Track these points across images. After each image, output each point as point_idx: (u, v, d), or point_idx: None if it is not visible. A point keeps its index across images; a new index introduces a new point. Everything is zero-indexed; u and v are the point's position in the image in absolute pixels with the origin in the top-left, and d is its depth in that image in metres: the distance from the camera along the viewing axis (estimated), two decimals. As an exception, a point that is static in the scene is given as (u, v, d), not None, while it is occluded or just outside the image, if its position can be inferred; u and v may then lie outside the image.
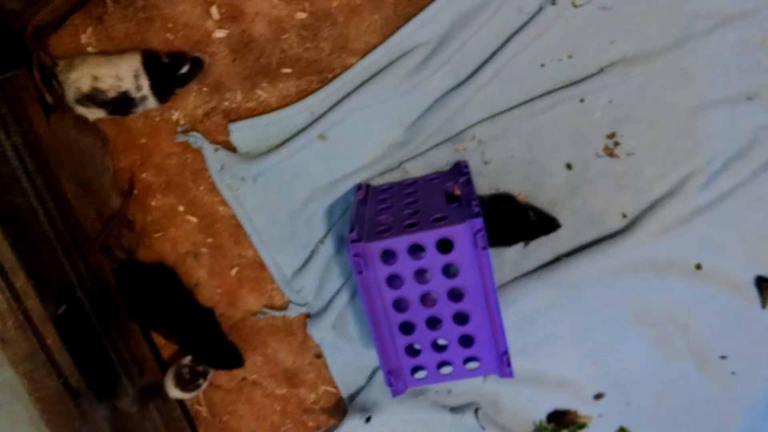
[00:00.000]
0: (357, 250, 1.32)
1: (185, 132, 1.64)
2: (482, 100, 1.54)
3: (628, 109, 1.51)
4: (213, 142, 1.64)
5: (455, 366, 1.46)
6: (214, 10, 1.51)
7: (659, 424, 1.80)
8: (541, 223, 1.59)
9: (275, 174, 1.65)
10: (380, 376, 1.78)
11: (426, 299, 1.38)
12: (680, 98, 1.50)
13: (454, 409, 1.82)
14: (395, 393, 1.47)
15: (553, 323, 1.70)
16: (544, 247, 1.65)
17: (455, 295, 1.36)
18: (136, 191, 1.72)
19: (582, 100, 1.51)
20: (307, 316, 1.82)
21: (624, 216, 1.60)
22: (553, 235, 1.62)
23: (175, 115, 1.63)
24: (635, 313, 1.67)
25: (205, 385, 1.84)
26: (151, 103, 1.53)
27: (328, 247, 1.71)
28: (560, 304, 1.67)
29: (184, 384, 1.79)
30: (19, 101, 1.55)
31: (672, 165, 1.55)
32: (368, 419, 1.80)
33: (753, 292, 1.63)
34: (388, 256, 1.33)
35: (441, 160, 1.59)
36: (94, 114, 1.54)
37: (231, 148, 1.65)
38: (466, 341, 1.42)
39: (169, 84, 1.52)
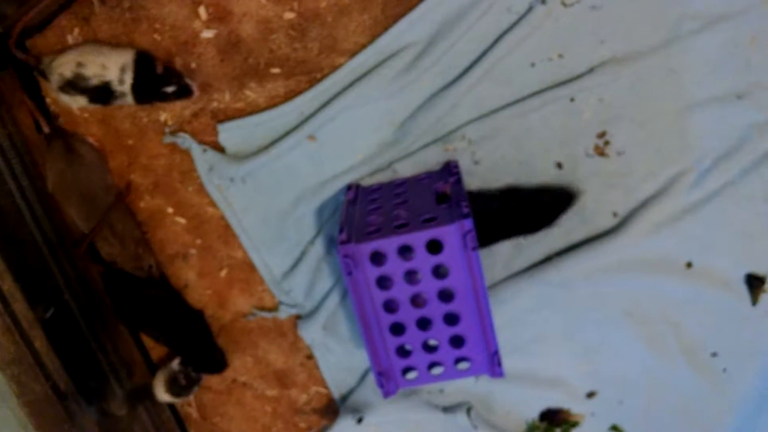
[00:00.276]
0: (346, 252, 1.31)
1: (173, 133, 1.63)
2: (472, 100, 1.53)
3: (618, 108, 1.51)
4: (201, 142, 1.63)
5: (446, 366, 1.46)
6: (202, 11, 1.50)
7: (651, 421, 1.80)
8: (558, 202, 1.57)
9: (264, 174, 1.64)
10: (372, 376, 1.78)
11: (416, 300, 1.38)
12: (670, 97, 1.49)
13: (447, 409, 1.82)
14: (386, 394, 1.47)
15: (545, 322, 1.71)
16: (536, 246, 1.65)
17: (445, 296, 1.36)
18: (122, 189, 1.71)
19: (572, 100, 1.51)
20: (298, 317, 1.81)
21: (615, 215, 1.60)
22: (544, 235, 1.62)
23: (163, 116, 1.62)
24: (627, 312, 1.68)
25: (196, 389, 1.83)
26: (129, 100, 1.51)
27: (318, 247, 1.70)
28: (552, 303, 1.67)
29: (178, 389, 1.78)
30: (4, 103, 1.55)
31: (662, 164, 1.55)
32: (360, 420, 1.80)
33: (743, 290, 1.63)
34: (378, 257, 1.32)
35: (431, 160, 1.58)
36: (77, 102, 1.52)
37: (219, 149, 1.64)
38: (457, 342, 1.42)
39: (151, 92, 1.51)
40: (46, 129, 1.58)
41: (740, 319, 1.65)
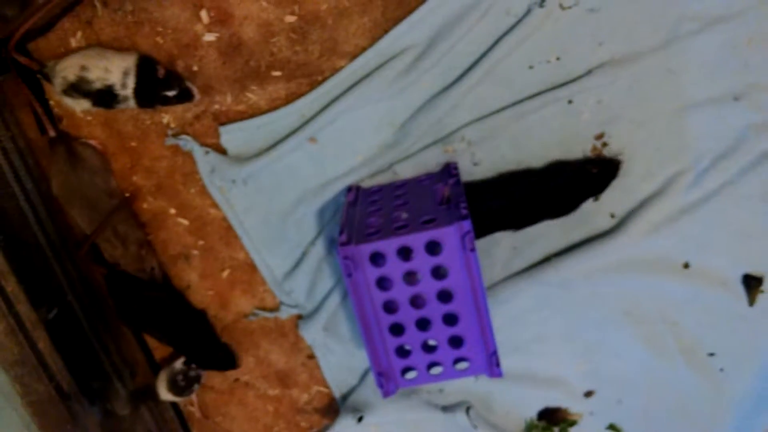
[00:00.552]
0: (346, 253, 1.33)
1: (175, 135, 1.64)
2: (471, 102, 1.54)
3: (616, 109, 1.52)
4: (203, 145, 1.64)
5: (445, 366, 1.47)
6: (204, 14, 1.51)
7: (649, 420, 1.82)
8: (605, 171, 1.56)
9: (266, 176, 1.65)
10: (372, 376, 1.78)
11: (415, 301, 1.39)
12: (668, 98, 1.50)
13: (446, 409, 1.83)
14: (386, 394, 1.48)
15: (544, 322, 1.72)
16: (534, 246, 1.66)
17: (444, 297, 1.37)
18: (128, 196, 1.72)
19: (570, 101, 1.52)
20: (299, 317, 1.82)
21: (612, 216, 1.61)
22: (542, 235, 1.63)
23: (165, 119, 1.63)
24: (625, 312, 1.69)
25: (197, 387, 1.84)
26: (132, 104, 1.53)
27: (319, 248, 1.71)
28: (550, 303, 1.68)
29: (178, 390, 1.80)
30: (8, 105, 1.56)
31: (660, 164, 1.55)
32: (360, 419, 1.82)
33: (740, 290, 1.64)
34: (378, 258, 1.34)
35: (431, 161, 1.59)
36: (80, 105, 1.53)
37: (221, 151, 1.65)
38: (456, 342, 1.43)
39: (153, 97, 1.52)
40: (51, 132, 1.59)
41: (738, 319, 1.66)
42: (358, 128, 1.59)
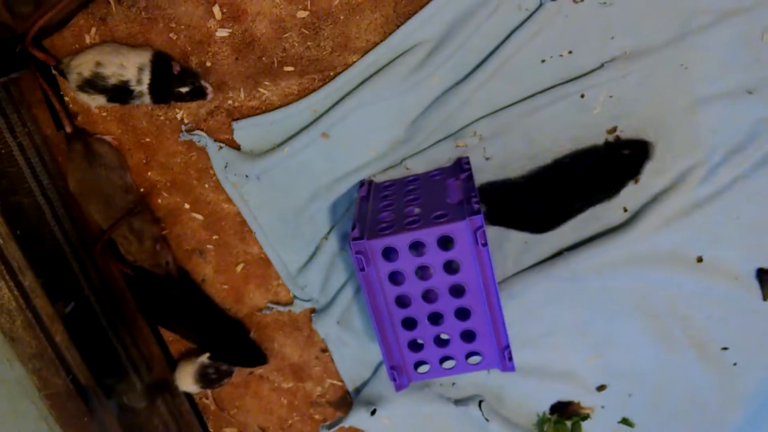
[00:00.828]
0: (359, 248, 1.33)
1: (189, 131, 1.65)
2: (483, 97, 1.54)
3: (628, 104, 1.52)
4: (217, 140, 1.66)
5: (457, 360, 1.48)
6: (217, 10, 1.52)
7: (661, 414, 1.82)
8: (638, 152, 1.55)
9: (279, 171, 1.67)
10: (385, 369, 1.80)
11: (428, 295, 1.40)
12: (680, 93, 1.50)
13: (459, 402, 1.83)
14: (399, 388, 1.49)
15: (556, 316, 1.72)
16: (546, 241, 1.66)
17: (456, 291, 1.38)
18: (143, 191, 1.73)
19: (582, 96, 1.51)
20: (313, 311, 1.84)
21: (625, 210, 1.61)
22: (554, 230, 1.64)
23: (179, 114, 1.64)
24: (636, 306, 1.69)
25: (227, 382, 1.88)
26: (147, 100, 1.54)
27: (332, 243, 1.72)
28: (562, 298, 1.69)
29: (208, 382, 1.83)
30: (24, 102, 1.57)
31: (672, 159, 1.55)
32: (373, 412, 1.83)
33: (754, 284, 1.64)
34: (390, 253, 1.34)
35: (442, 156, 1.60)
36: (96, 101, 1.55)
37: (235, 147, 1.66)
38: (468, 336, 1.44)
39: (167, 93, 1.53)
40: (68, 129, 1.60)
41: (750, 314, 1.66)
42: (370, 123, 1.60)
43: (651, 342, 1.72)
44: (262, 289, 1.83)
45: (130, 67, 1.50)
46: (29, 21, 1.49)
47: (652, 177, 1.57)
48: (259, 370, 1.94)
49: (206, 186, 1.72)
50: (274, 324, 1.87)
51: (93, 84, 1.50)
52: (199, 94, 1.55)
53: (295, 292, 1.82)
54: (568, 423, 1.83)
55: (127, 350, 1.78)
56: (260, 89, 1.60)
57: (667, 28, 1.46)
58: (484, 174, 1.61)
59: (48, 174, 1.62)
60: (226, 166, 1.67)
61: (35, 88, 1.60)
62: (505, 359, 1.44)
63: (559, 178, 1.56)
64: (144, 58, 1.51)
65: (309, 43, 1.54)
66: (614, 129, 1.54)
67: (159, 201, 1.75)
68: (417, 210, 1.40)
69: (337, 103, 1.58)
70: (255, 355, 1.87)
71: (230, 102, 1.62)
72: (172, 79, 1.52)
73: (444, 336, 1.46)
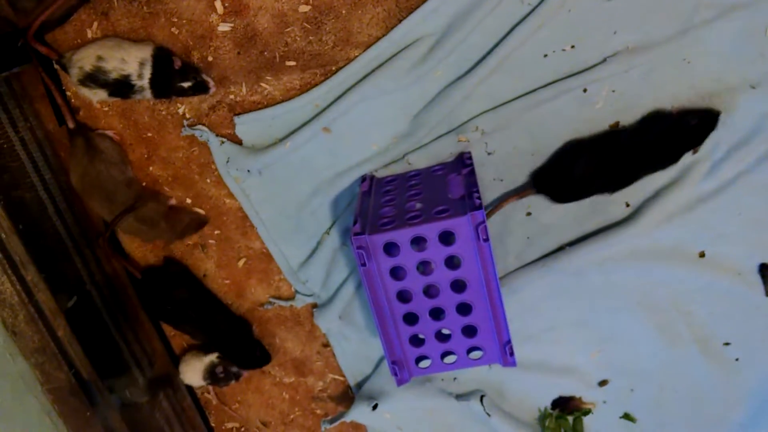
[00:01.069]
0: (360, 243, 1.33)
1: (191, 126, 1.65)
2: (485, 92, 1.54)
3: (631, 98, 1.51)
4: (219, 135, 1.66)
5: (459, 355, 1.48)
6: (219, 4, 1.52)
7: (663, 410, 1.81)
8: (705, 122, 1.51)
9: (281, 166, 1.66)
10: (386, 364, 1.80)
11: (429, 290, 1.40)
12: (683, 87, 1.49)
13: (460, 397, 1.83)
14: (400, 382, 1.49)
15: (558, 311, 1.72)
16: (548, 236, 1.66)
17: (458, 286, 1.38)
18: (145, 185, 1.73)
19: (585, 91, 1.51)
20: (314, 306, 1.84)
21: (627, 205, 1.60)
22: (556, 224, 1.64)
23: (181, 109, 1.64)
24: (639, 301, 1.68)
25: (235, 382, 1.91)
26: (148, 94, 1.54)
27: (334, 238, 1.72)
28: (564, 293, 1.68)
29: (216, 380, 1.86)
30: (26, 97, 1.58)
31: (675, 153, 1.55)
32: (375, 407, 1.83)
33: (756, 280, 1.63)
34: (391, 248, 1.34)
35: (444, 151, 1.60)
36: (96, 95, 1.55)
37: (237, 141, 1.66)
38: (470, 331, 1.44)
39: (168, 87, 1.53)
40: (71, 125, 1.60)
41: (753, 309, 1.65)
42: (372, 118, 1.60)
43: (653, 337, 1.72)
44: (264, 284, 1.83)
45: (131, 62, 1.50)
46: (31, 15, 1.49)
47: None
48: (261, 365, 1.95)
49: (208, 181, 1.72)
50: (275, 319, 1.88)
51: (94, 78, 1.50)
52: (200, 88, 1.55)
53: (297, 287, 1.82)
54: (570, 418, 1.83)
55: (130, 345, 1.79)
56: (262, 84, 1.60)
57: (670, 23, 1.45)
58: (486, 169, 1.60)
59: (50, 169, 1.62)
60: (227, 161, 1.67)
61: (37, 83, 1.60)
62: (506, 354, 1.44)
63: (624, 142, 1.52)
64: (145, 52, 1.51)
65: (311, 38, 1.54)
66: (616, 124, 1.54)
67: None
68: (418, 205, 1.40)
69: (339, 97, 1.58)
70: (260, 356, 1.88)
71: (232, 97, 1.62)
72: (174, 74, 1.52)
73: (445, 331, 1.46)
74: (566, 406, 1.84)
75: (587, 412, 1.83)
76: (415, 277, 1.37)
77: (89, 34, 1.58)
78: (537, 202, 1.62)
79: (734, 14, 1.42)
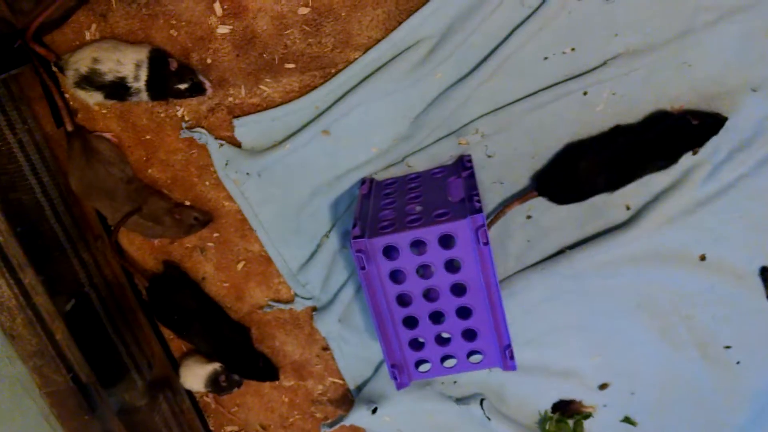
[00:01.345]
0: (359, 246, 1.33)
1: (190, 128, 1.65)
2: (485, 94, 1.53)
3: (631, 101, 1.51)
4: (218, 137, 1.65)
5: (459, 359, 1.47)
6: (217, 7, 1.51)
7: (664, 413, 1.81)
8: (707, 124, 1.49)
9: (280, 169, 1.66)
10: (386, 368, 1.80)
11: (429, 294, 1.39)
12: (684, 90, 1.49)
13: (460, 400, 1.83)
14: (399, 386, 1.49)
15: (558, 314, 1.71)
16: (548, 239, 1.65)
17: (458, 290, 1.38)
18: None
19: (585, 93, 1.51)
20: (314, 309, 1.83)
21: (628, 208, 1.60)
22: (557, 227, 1.63)
23: (180, 111, 1.64)
24: (639, 304, 1.68)
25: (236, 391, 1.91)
26: (144, 96, 1.53)
27: (334, 241, 1.72)
28: (565, 296, 1.68)
29: (218, 389, 1.86)
30: (24, 99, 1.57)
31: (676, 156, 1.54)
32: (374, 410, 1.82)
33: (757, 283, 1.63)
34: (391, 251, 1.34)
35: (444, 153, 1.59)
36: (92, 98, 1.54)
37: (236, 144, 1.66)
38: (470, 335, 1.44)
39: (165, 89, 1.53)
40: (69, 127, 1.60)
41: (754, 313, 1.65)
42: (372, 120, 1.59)
43: (653, 341, 1.71)
44: (263, 286, 1.83)
45: (127, 64, 1.49)
46: (29, 17, 1.48)
47: (655, 175, 1.56)
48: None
49: (207, 183, 1.71)
50: (275, 322, 1.87)
51: (90, 80, 1.50)
52: (198, 90, 1.54)
53: (296, 290, 1.81)
54: (570, 422, 1.83)
55: (128, 348, 1.78)
56: (261, 86, 1.59)
57: (670, 26, 1.45)
58: (486, 172, 1.60)
59: (48, 171, 1.61)
60: (226, 164, 1.66)
61: (35, 85, 1.59)
62: (506, 358, 1.44)
63: (625, 141, 1.51)
64: (141, 54, 1.50)
65: (310, 40, 1.53)
66: (617, 127, 1.53)
67: (160, 198, 1.74)
68: (418, 208, 1.39)
69: (338, 100, 1.57)
70: (264, 367, 1.88)
71: (231, 99, 1.61)
72: (170, 76, 1.51)
73: (445, 335, 1.45)
74: (566, 410, 1.83)
75: (588, 415, 1.82)
76: (414, 280, 1.37)
77: (87, 36, 1.57)
78: (537, 205, 1.61)
79: (735, 17, 1.42)
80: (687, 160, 1.53)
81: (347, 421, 1.89)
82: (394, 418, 1.87)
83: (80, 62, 1.49)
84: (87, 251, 1.70)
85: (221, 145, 1.65)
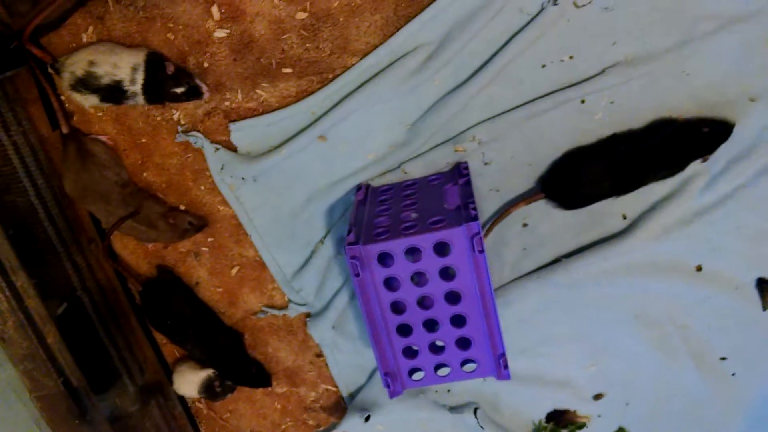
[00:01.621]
0: (354, 253, 1.32)
1: (186, 132, 1.64)
2: (483, 101, 1.53)
3: (629, 110, 1.50)
4: (214, 142, 1.64)
5: (452, 368, 1.46)
6: (215, 10, 1.51)
7: (658, 424, 1.81)
8: (717, 132, 1.48)
9: (276, 174, 1.65)
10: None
11: (423, 301, 1.39)
12: (682, 100, 1.48)
13: (454, 409, 1.82)
14: (392, 394, 1.48)
15: (553, 324, 1.71)
16: (545, 247, 1.65)
17: (452, 298, 1.37)
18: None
19: (583, 101, 1.50)
20: (308, 315, 1.82)
21: (624, 217, 1.59)
22: (553, 236, 1.63)
23: (176, 115, 1.63)
24: (635, 314, 1.68)
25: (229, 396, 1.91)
26: (141, 100, 1.53)
27: (328, 247, 1.71)
28: (560, 305, 1.67)
29: (212, 395, 1.86)
30: (19, 100, 1.56)
31: (673, 166, 1.54)
32: (367, 418, 1.82)
33: (754, 294, 1.63)
34: (386, 258, 1.33)
35: (441, 160, 1.59)
36: (88, 101, 1.53)
37: (231, 148, 1.65)
38: (464, 343, 1.43)
39: (161, 93, 1.52)
40: (65, 129, 1.59)
41: (750, 324, 1.65)
42: (369, 127, 1.58)
43: (649, 351, 1.71)
44: (257, 292, 1.82)
45: (123, 67, 1.49)
46: (26, 18, 1.48)
47: (652, 184, 1.55)
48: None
49: (202, 188, 1.70)
50: (268, 328, 1.86)
51: (86, 83, 1.49)
52: (194, 93, 1.54)
53: (290, 296, 1.80)
54: (564, 431, 1.82)
55: (120, 352, 1.77)
56: (258, 91, 1.58)
57: (669, 35, 1.44)
58: (483, 179, 1.59)
59: (42, 173, 1.61)
60: (222, 168, 1.65)
61: (31, 87, 1.58)
62: (500, 367, 1.43)
63: (633, 147, 1.50)
64: (138, 57, 1.50)
65: (308, 45, 1.53)
66: (614, 136, 1.53)
67: (154, 202, 1.73)
68: (414, 215, 1.38)
69: (335, 105, 1.57)
70: (257, 374, 1.87)
71: (227, 103, 1.61)
72: (167, 80, 1.50)
73: (439, 343, 1.44)
74: (561, 420, 1.83)
75: (582, 425, 1.82)
76: (409, 288, 1.36)
77: (84, 39, 1.57)
78: (534, 212, 1.61)
79: (734, 27, 1.42)
80: (686, 169, 1.52)
81: (340, 429, 1.88)
82: (387, 427, 1.86)
83: (76, 65, 1.49)
84: (80, 255, 1.69)
85: (217, 149, 1.64)
